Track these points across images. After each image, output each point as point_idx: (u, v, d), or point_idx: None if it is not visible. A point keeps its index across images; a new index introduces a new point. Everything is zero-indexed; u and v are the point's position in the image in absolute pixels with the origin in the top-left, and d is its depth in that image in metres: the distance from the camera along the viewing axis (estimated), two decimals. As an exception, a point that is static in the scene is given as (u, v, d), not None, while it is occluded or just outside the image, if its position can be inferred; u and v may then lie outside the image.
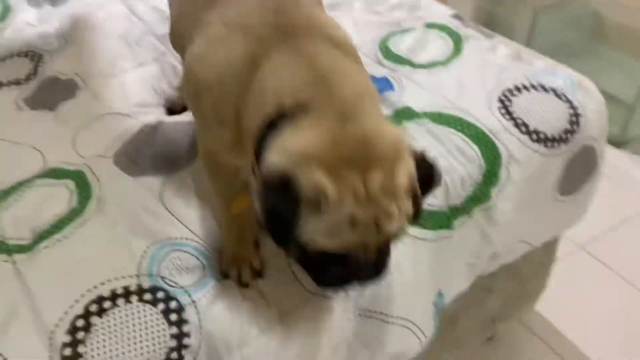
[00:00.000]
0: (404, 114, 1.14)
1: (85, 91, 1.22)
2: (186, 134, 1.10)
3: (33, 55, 1.33)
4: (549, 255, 1.49)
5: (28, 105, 1.18)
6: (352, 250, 0.69)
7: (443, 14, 1.49)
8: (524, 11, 2.74)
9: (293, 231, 0.67)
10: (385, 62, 1.31)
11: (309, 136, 0.67)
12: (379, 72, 1.28)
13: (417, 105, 1.17)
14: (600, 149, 1.24)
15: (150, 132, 1.11)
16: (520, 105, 1.17)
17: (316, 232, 0.67)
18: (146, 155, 1.05)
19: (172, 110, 1.18)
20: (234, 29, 0.81)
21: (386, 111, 1.15)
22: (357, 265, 0.71)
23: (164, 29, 1.44)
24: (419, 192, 0.73)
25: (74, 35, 1.41)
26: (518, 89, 1.21)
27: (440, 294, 1.11)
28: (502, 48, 1.35)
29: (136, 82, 1.26)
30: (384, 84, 1.23)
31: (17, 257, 0.88)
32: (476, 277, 1.20)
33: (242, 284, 0.87)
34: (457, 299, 1.19)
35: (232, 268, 0.88)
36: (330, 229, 0.67)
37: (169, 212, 0.95)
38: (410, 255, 0.99)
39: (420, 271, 1.01)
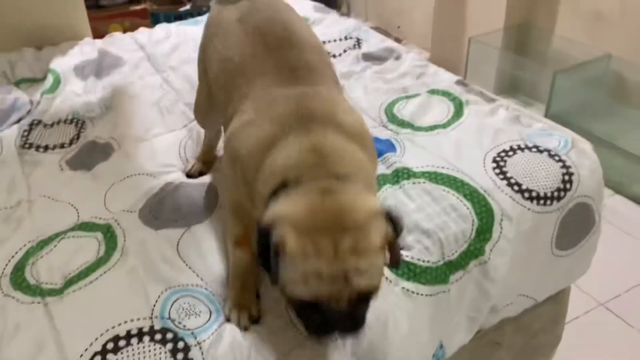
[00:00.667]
0: (402, 174, 1.23)
1: (119, 153, 1.37)
2: (202, 193, 1.23)
3: (77, 121, 1.51)
4: (560, 310, 1.50)
5: (69, 166, 1.34)
6: (321, 300, 0.80)
7: (448, 81, 1.60)
8: (545, 73, 2.83)
9: (276, 272, 0.80)
10: (390, 125, 1.42)
11: (291, 204, 0.84)
12: (383, 134, 1.39)
13: (416, 166, 1.26)
14: (596, 206, 1.29)
15: (172, 190, 1.24)
16: (514, 165, 1.25)
17: (288, 279, 0.80)
18: (167, 210, 1.18)
19: (190, 175, 1.32)
20: (263, 116, 1.00)
21: (386, 171, 1.25)
22: (331, 315, 0.81)
23: (193, 97, 1.61)
24: (394, 243, 0.85)
25: (113, 103, 1.58)
26: (513, 150, 1.29)
27: (441, 346, 1.15)
28: (502, 111, 1.44)
29: (165, 146, 1.41)
30: (387, 146, 1.34)
31: (49, 299, 1.00)
32: (481, 330, 1.24)
33: (242, 328, 0.96)
34: (463, 352, 1.23)
35: (233, 312, 0.98)
36: (299, 279, 0.79)
37: (183, 261, 1.06)
38: (407, 308, 1.05)
39: (417, 324, 1.07)
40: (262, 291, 1.02)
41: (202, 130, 1.44)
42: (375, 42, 1.85)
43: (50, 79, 1.70)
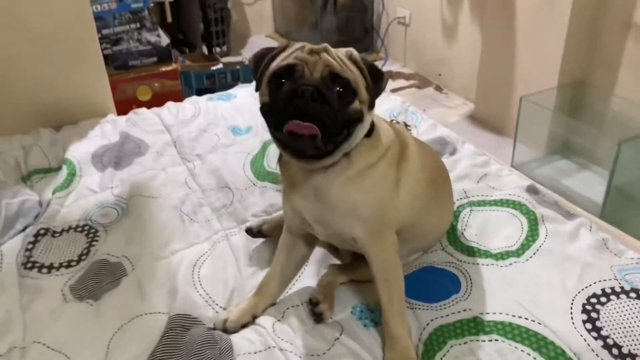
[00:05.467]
0: (470, 327, 1.00)
1: (131, 278, 1.17)
2: (210, 341, 1.01)
3: (89, 229, 1.32)
4: None
5: (73, 294, 1.14)
6: (298, 62, 0.92)
7: (516, 185, 1.37)
8: (604, 138, 2.60)
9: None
10: (450, 249, 1.20)
11: None
12: (443, 261, 1.16)
13: (485, 313, 1.03)
14: None
15: (179, 336, 1.02)
16: (610, 317, 1.00)
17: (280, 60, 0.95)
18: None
19: (225, 330, 1.07)
20: None
21: (448, 319, 1.03)
22: (302, 75, 0.91)
23: (221, 200, 1.42)
24: (362, 67, 0.95)
25: (130, 205, 1.40)
26: (606, 295, 1.04)
27: None
28: (585, 233, 1.20)
29: (182, 267, 1.20)
30: (449, 281, 1.11)
31: None
32: None
33: None
34: None
35: None
36: (287, 56, 0.95)
37: None
38: None
39: None
40: None
41: (229, 249, 1.25)
42: (425, 128, 1.64)
43: (64, 172, 1.52)
